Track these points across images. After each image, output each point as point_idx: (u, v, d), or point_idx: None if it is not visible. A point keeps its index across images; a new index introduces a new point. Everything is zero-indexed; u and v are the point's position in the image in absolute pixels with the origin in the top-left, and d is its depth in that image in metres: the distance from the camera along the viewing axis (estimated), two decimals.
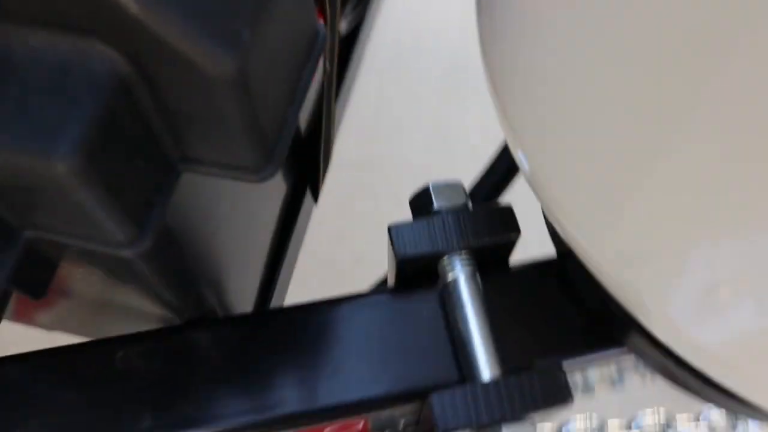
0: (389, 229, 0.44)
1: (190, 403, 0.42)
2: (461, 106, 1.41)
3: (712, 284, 0.31)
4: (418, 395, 0.43)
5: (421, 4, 1.53)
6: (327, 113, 0.59)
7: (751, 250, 0.30)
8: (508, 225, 0.45)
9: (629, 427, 0.65)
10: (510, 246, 0.46)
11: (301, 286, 1.21)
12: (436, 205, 0.46)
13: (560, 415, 0.48)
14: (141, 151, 0.28)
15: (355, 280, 1.24)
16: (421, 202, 0.47)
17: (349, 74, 0.73)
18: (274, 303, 0.61)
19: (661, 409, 0.63)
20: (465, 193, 0.47)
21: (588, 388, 0.56)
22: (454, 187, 0.47)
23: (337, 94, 0.68)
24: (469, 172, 1.35)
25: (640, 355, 0.44)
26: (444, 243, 0.44)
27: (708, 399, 0.43)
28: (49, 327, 0.57)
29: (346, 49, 0.73)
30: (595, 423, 0.63)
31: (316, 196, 0.68)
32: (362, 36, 0.74)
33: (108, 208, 0.27)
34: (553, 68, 0.37)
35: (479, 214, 0.45)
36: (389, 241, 0.44)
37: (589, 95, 0.35)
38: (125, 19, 0.23)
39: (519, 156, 0.40)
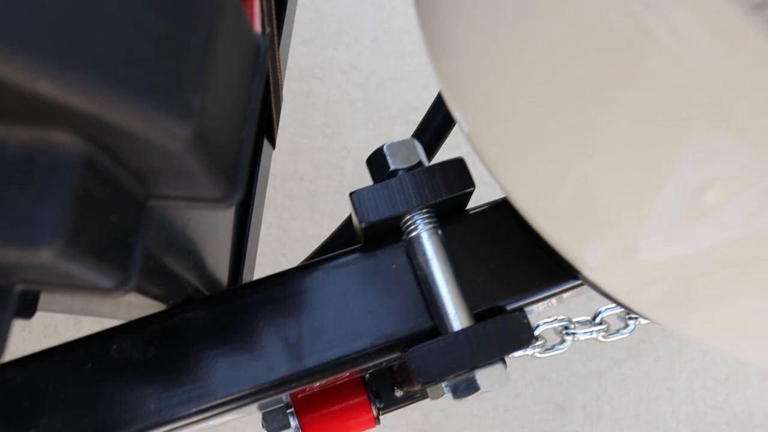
0: (351, 197, 0.47)
1: (187, 382, 0.45)
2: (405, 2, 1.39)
3: (628, 246, 0.36)
4: (396, 347, 0.47)
5: None
6: (272, 68, 0.60)
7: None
8: (462, 178, 0.47)
9: (594, 321, 0.70)
10: (466, 197, 0.48)
11: (270, 207, 1.23)
12: (392, 166, 0.48)
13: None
14: (113, 207, 0.29)
15: (318, 193, 1.26)
16: (377, 164, 0.49)
17: (288, 12, 0.72)
18: (248, 256, 0.63)
19: None
20: (419, 150, 0.49)
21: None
22: (408, 144, 0.49)
23: (279, 41, 0.68)
24: (416, 71, 1.34)
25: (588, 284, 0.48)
26: (404, 204, 0.47)
27: None
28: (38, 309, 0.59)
29: None
30: (561, 323, 0.68)
31: (273, 142, 0.69)
32: None
33: (94, 270, 0.29)
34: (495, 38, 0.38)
35: (434, 171, 0.47)
36: (352, 209, 0.47)
37: (525, 63, 0.37)
38: (77, 113, 0.25)
39: (457, 116, 0.42)
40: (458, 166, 0.48)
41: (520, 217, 0.50)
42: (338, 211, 1.25)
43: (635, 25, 0.26)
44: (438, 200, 0.47)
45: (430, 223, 0.47)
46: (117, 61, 0.24)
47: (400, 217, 0.47)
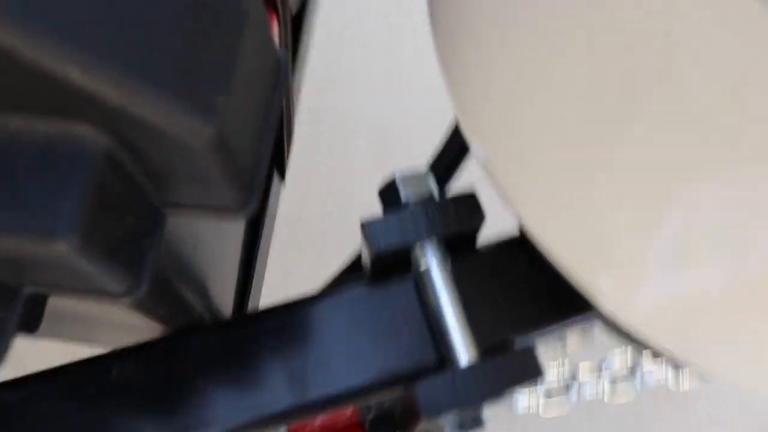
0: (362, 226, 0.46)
1: (187, 410, 0.44)
2: (413, 45, 1.41)
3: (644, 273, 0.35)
4: (401, 381, 0.46)
5: None
6: (286, 97, 0.60)
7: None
8: (473, 212, 0.47)
9: (600, 369, 0.69)
10: (476, 230, 0.48)
11: (276, 250, 1.23)
12: (403, 197, 0.48)
13: None
14: (130, 208, 0.29)
15: (325, 239, 1.26)
16: (389, 194, 0.49)
17: (302, 45, 0.73)
18: (254, 289, 0.63)
19: (629, 350, 0.67)
20: (430, 181, 0.48)
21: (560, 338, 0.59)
22: (420, 176, 0.49)
23: (293, 69, 0.68)
24: (423, 117, 1.36)
25: (599, 320, 0.47)
26: (414, 234, 0.46)
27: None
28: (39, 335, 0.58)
29: (297, 21, 0.72)
30: (567, 370, 0.67)
31: (283, 175, 0.69)
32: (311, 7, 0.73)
33: (106, 270, 0.28)
34: (510, 68, 0.38)
35: (446, 204, 0.47)
36: (362, 237, 0.46)
37: (545, 91, 0.37)
38: (104, 105, 0.24)
39: (474, 146, 0.42)
40: (470, 200, 0.47)
41: (529, 252, 0.49)
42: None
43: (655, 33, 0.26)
44: (449, 233, 0.46)
45: (440, 255, 0.47)
46: (146, 55, 0.25)
47: (410, 248, 0.46)
